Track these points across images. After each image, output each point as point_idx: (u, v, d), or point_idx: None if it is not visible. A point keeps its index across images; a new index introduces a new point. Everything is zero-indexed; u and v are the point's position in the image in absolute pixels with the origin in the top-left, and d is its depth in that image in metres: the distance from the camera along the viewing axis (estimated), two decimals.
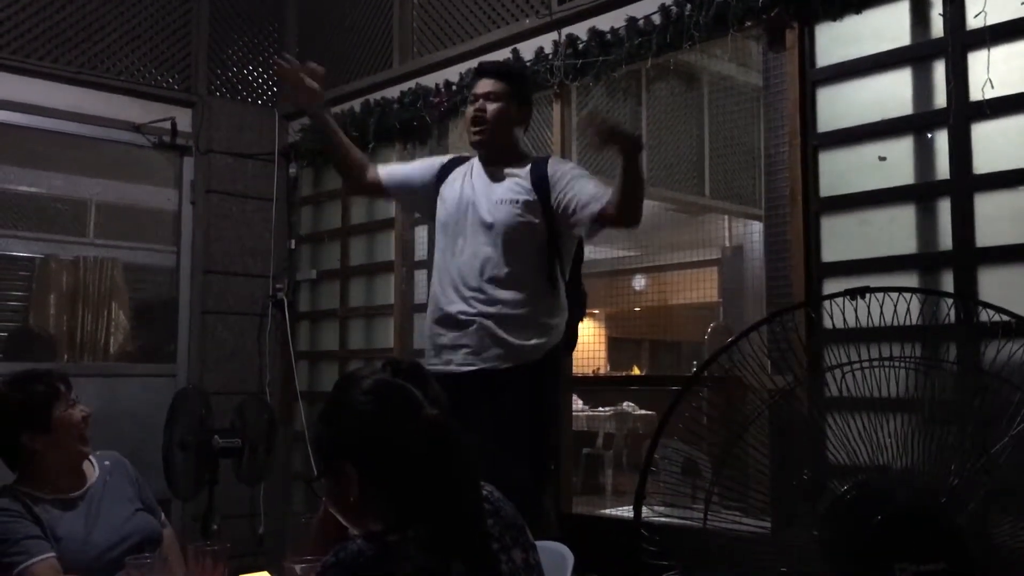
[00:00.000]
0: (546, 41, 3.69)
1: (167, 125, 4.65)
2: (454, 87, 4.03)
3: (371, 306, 4.64)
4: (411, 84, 4.30)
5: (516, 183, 2.75)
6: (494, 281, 2.69)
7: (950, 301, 2.40)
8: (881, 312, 2.15)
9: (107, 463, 2.48)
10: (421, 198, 2.97)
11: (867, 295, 1.63)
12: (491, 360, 2.66)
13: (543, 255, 2.73)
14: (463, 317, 2.70)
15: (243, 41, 5.02)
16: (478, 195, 2.78)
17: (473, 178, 2.84)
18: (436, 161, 3.00)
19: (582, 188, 2.65)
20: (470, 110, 2.82)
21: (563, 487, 3.64)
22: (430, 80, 4.21)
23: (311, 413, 4.69)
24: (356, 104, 4.57)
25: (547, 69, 3.64)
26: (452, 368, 2.69)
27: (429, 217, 3.02)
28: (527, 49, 3.74)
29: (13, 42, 4.25)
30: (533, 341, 2.67)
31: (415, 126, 4.24)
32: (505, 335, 2.66)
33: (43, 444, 2.29)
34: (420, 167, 3.01)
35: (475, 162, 2.89)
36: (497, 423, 2.60)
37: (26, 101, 4.28)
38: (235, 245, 4.84)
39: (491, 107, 2.77)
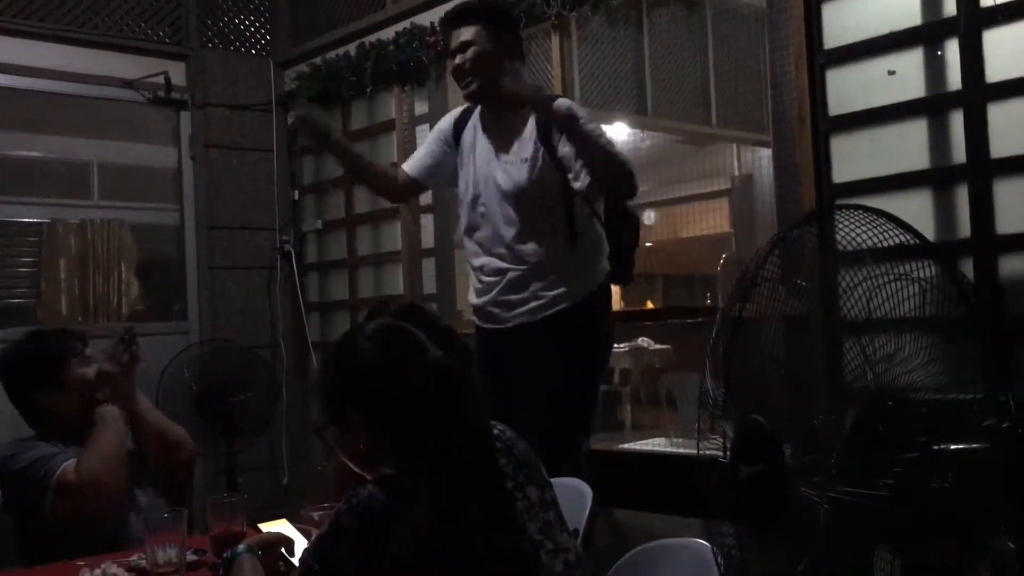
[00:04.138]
0: None
1: (160, 80, 4.58)
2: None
3: (379, 253, 4.61)
4: (406, 24, 4.21)
5: (525, 134, 2.68)
6: (519, 239, 2.68)
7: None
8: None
9: None
10: (451, 172, 2.89)
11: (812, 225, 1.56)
12: (526, 314, 2.67)
13: (566, 203, 2.67)
14: (496, 274, 2.72)
15: None
16: (490, 154, 2.73)
17: (483, 135, 2.78)
18: (445, 128, 2.91)
19: (583, 155, 2.56)
20: (450, 67, 2.74)
21: None
22: (425, 19, 4.11)
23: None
24: (351, 48, 4.48)
25: (544, 0, 3.54)
26: (491, 325, 2.75)
27: (452, 179, 2.93)
28: None
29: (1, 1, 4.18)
30: (562, 289, 2.66)
31: (412, 67, 4.16)
32: (536, 289, 2.66)
33: (56, 401, 2.29)
34: (435, 142, 2.93)
35: (477, 116, 2.82)
36: (538, 371, 2.64)
37: (14, 62, 4.23)
38: (238, 199, 4.81)
39: (469, 56, 2.66)
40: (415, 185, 2.99)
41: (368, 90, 4.37)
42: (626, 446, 4.42)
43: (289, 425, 4.73)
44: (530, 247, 2.68)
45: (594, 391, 2.83)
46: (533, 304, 2.67)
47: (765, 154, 6.25)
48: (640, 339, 7.65)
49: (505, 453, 1.54)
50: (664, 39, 5.28)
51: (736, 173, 7.73)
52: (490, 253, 2.74)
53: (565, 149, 2.60)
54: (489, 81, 2.66)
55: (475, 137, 2.80)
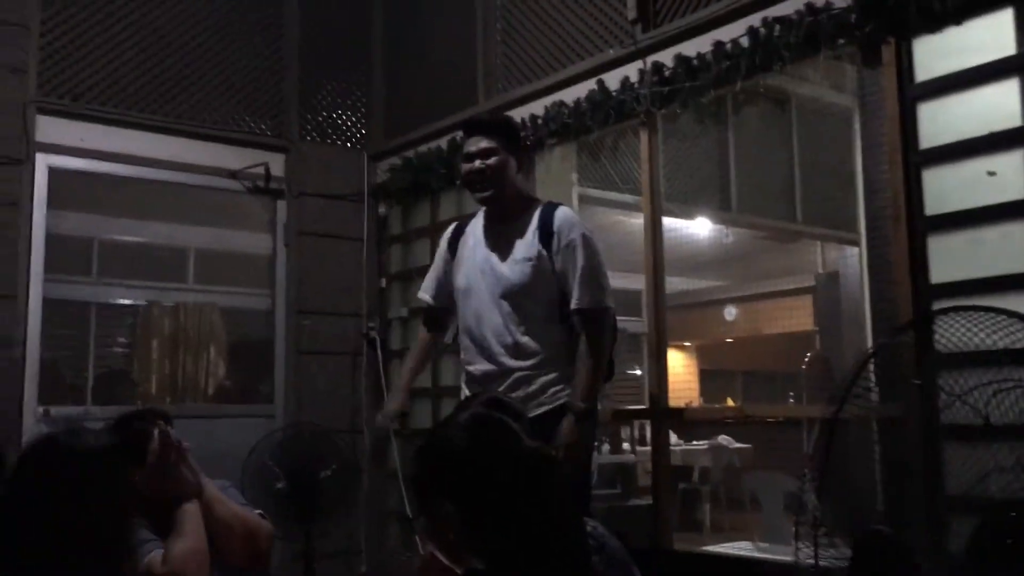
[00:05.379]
0: (631, 70, 3.66)
1: (261, 171, 4.78)
2: (540, 121, 4.03)
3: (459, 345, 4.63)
4: None
5: (527, 237, 2.86)
6: (521, 336, 2.82)
7: None
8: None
9: None
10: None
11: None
12: (530, 409, 2.72)
13: (564, 302, 2.83)
14: (500, 375, 2.85)
15: (331, 86, 5.15)
16: (493, 255, 2.91)
17: (485, 237, 2.97)
18: (443, 243, 3.14)
19: (573, 277, 2.79)
20: (465, 169, 2.94)
21: (661, 523, 3.55)
22: (516, 115, 4.20)
23: (404, 451, 4.70)
24: (443, 142, 4.61)
25: (633, 98, 3.61)
26: None
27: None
28: (612, 79, 3.72)
29: (116, 96, 4.44)
30: (562, 385, 2.80)
31: None
32: (538, 385, 2.80)
33: (140, 478, 2.33)
34: (439, 261, 3.15)
35: (482, 219, 3.02)
36: None
37: (130, 152, 4.46)
38: (328, 285, 4.92)
39: (487, 163, 2.87)
40: (443, 315, 3.15)
41: (457, 182, 4.47)
42: (708, 548, 4.28)
43: (368, 512, 4.72)
44: (532, 343, 2.82)
45: (588, 481, 2.90)
46: (540, 399, 2.80)
47: (851, 252, 6.16)
48: (720, 437, 7.49)
49: (597, 550, 1.51)
50: (749, 136, 5.31)
51: (820, 270, 7.62)
52: (490, 353, 2.87)
53: (559, 263, 2.80)
54: (502, 188, 2.89)
55: (474, 243, 2.98)
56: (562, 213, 2.88)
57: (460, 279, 3.00)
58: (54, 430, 1.74)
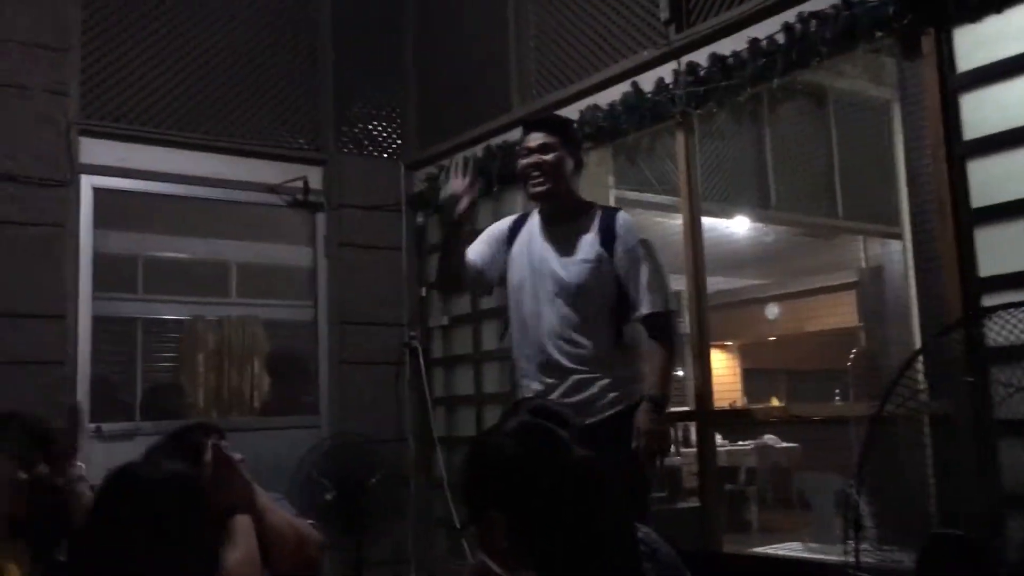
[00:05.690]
0: (666, 71, 3.64)
1: (300, 184, 4.83)
2: (575, 125, 4.02)
3: (505, 349, 4.62)
4: None
5: (586, 239, 2.88)
6: (576, 336, 2.83)
7: None
8: None
9: None
10: (501, 270, 3.07)
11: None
12: (590, 414, 2.74)
13: (620, 305, 2.86)
14: (557, 374, 2.85)
15: (366, 98, 5.18)
16: (550, 253, 2.91)
17: (541, 235, 2.96)
18: (503, 228, 3.11)
19: (639, 282, 2.83)
20: (523, 164, 2.93)
21: (709, 525, 3.52)
22: None
23: (449, 459, 4.71)
24: (479, 150, 4.62)
25: (668, 99, 3.59)
26: None
27: (500, 281, 3.11)
28: (646, 81, 3.70)
29: (156, 115, 4.51)
30: (618, 391, 2.81)
31: None
32: (596, 390, 2.81)
33: None
34: (491, 238, 3.10)
35: (537, 218, 3.01)
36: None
37: (171, 171, 4.53)
38: (368, 296, 4.95)
39: (544, 158, 2.88)
40: (479, 275, 3.07)
41: (494, 189, 4.49)
42: (758, 550, 4.24)
43: (415, 520, 4.74)
44: (586, 345, 2.82)
45: (647, 492, 2.88)
46: (598, 404, 2.79)
47: (895, 246, 6.07)
48: (766, 436, 7.43)
49: (649, 557, 1.50)
50: (787, 132, 5.26)
51: (864, 266, 7.52)
52: (544, 350, 2.86)
53: (621, 267, 2.83)
54: (557, 184, 2.89)
55: (530, 240, 2.98)
56: (623, 218, 2.93)
57: (514, 275, 3.00)
58: (131, 461, 1.76)
